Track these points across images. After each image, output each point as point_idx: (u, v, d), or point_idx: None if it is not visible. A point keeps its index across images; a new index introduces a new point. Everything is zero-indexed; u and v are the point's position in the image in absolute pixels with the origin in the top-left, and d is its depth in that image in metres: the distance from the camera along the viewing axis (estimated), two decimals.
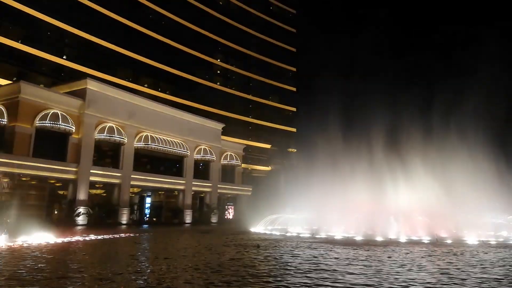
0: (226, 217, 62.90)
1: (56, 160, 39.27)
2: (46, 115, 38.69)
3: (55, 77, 57.33)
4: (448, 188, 35.03)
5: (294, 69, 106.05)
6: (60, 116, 39.32)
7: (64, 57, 59.74)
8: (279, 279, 11.60)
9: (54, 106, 39.68)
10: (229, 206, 66.21)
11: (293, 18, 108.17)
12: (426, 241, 27.16)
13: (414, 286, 10.86)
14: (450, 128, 40.26)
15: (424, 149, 38.19)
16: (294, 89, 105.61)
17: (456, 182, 34.91)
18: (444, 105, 43.12)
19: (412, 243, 25.92)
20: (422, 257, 17.74)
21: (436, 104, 44.01)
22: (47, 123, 38.46)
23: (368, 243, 24.58)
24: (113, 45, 65.53)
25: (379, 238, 29.12)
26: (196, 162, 56.79)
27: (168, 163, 53.86)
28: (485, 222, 34.19)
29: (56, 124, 38.90)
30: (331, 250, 20.14)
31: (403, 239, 28.78)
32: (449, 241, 27.43)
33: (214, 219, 56.34)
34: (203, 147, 57.16)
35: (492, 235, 31.66)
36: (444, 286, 11.04)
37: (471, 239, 28.56)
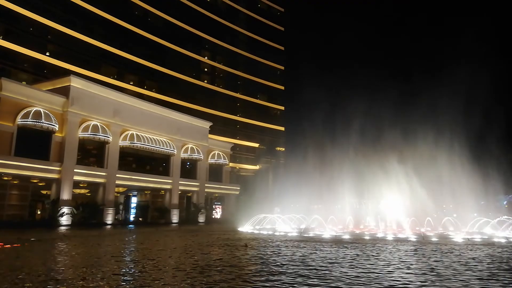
0: (213, 216, 62.50)
1: (39, 159, 38.37)
2: (29, 113, 37.73)
3: (38, 74, 56.09)
4: (431, 188, 35.48)
5: (282, 68, 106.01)
6: (43, 114, 38.38)
7: (47, 54, 58.48)
8: (266, 281, 11.36)
9: (36, 104, 38.72)
10: (217, 206, 65.80)
11: (281, 16, 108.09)
12: (412, 239, 27.26)
13: (402, 286, 10.74)
14: (430, 130, 40.91)
15: (405, 149, 38.74)
16: (282, 87, 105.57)
17: (438, 182, 35.36)
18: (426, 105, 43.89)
19: (398, 241, 26.00)
20: (409, 255, 17.73)
21: (419, 105, 44.75)
22: (29, 121, 37.51)
23: (356, 242, 24.55)
24: (97, 42, 64.43)
25: (366, 237, 29.17)
26: (183, 161, 56.20)
27: (154, 162, 53.19)
28: (470, 220, 34.63)
29: (38, 122, 37.95)
30: (318, 249, 20.01)
31: (390, 237, 28.87)
32: (435, 239, 27.59)
33: (201, 219, 55.89)
34: (190, 145, 56.59)
35: (477, 232, 32.03)
36: (432, 285, 10.95)
37: (457, 237, 28.82)
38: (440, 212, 39.44)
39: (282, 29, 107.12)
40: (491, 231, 32.88)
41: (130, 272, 12.95)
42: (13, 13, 53.95)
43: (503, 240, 26.96)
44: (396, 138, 40.56)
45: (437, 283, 11.13)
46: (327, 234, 31.07)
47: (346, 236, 29.27)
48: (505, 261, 16.14)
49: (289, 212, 40.13)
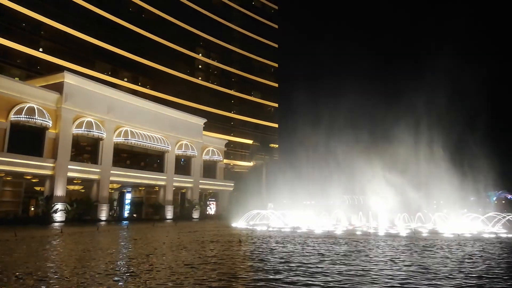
0: (207, 212, 62.71)
1: (33, 155, 38.21)
2: (22, 109, 37.56)
3: (31, 70, 55.82)
4: (422, 184, 36.10)
5: (276, 65, 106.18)
6: (36, 110, 38.24)
7: (40, 50, 58.08)
8: (259, 279, 11.64)
9: (30, 100, 38.55)
10: (211, 202, 66.01)
11: (275, 14, 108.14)
12: (403, 235, 27.75)
13: (393, 281, 11.08)
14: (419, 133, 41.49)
15: (396, 146, 39.28)
16: (276, 85, 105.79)
17: (429, 179, 35.96)
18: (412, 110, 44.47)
19: (390, 236, 26.45)
20: (399, 251, 18.12)
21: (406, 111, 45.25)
22: (22, 117, 37.34)
23: (348, 237, 24.96)
24: (91, 38, 64.11)
25: (358, 232, 29.63)
26: (178, 158, 56.28)
27: (148, 159, 53.23)
28: (460, 216, 35.23)
29: (32, 118, 37.80)
30: (310, 245, 20.35)
31: (381, 233, 29.35)
32: (425, 235, 28.11)
33: (195, 215, 56.08)
34: (184, 142, 56.68)
35: (466, 228, 32.61)
36: (423, 280, 11.30)
37: (447, 232, 29.38)
38: (431, 208, 40.11)
39: (276, 26, 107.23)
40: (481, 226, 33.52)
41: (122, 271, 13.14)
42: (6, 9, 53.50)
43: (492, 236, 27.55)
44: (387, 135, 41.19)
45: (425, 279, 11.49)
46: (319, 230, 31.48)
47: (338, 232, 29.71)
48: (495, 257, 16.60)
49: (282, 208, 40.49)
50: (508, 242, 23.03)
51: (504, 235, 27.92)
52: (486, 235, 27.96)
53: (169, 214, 52.63)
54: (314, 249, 18.07)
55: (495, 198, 74.66)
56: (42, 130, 39.43)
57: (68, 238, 23.53)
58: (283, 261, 14.19)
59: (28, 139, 38.55)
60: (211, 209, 65.30)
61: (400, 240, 23.74)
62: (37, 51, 57.48)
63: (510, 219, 33.82)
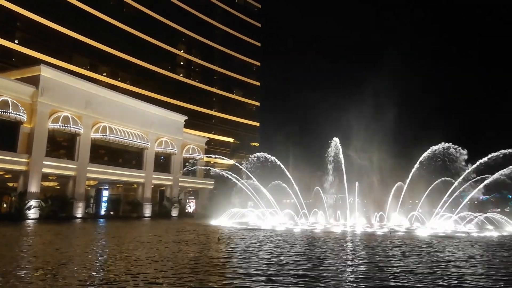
0: (187, 210, 62.31)
1: (6, 150, 37.11)
2: None
3: (5, 62, 54.02)
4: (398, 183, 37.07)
5: (258, 64, 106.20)
6: (10, 104, 37.09)
7: (15, 42, 56.36)
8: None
9: (3, 93, 37.36)
10: (191, 200, 65.60)
11: (258, 12, 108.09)
12: (379, 233, 28.29)
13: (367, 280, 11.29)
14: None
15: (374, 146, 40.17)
16: (258, 83, 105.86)
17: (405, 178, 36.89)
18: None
19: (366, 235, 26.93)
20: (374, 250, 18.47)
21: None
22: None
23: (325, 235, 25.27)
24: (69, 31, 62.60)
25: (336, 230, 30.06)
26: (157, 155, 55.62)
27: (127, 155, 52.42)
28: (434, 215, 36.20)
29: (5, 112, 36.65)
30: (288, 243, 20.52)
31: (358, 230, 29.86)
32: (400, 233, 28.73)
33: (174, 213, 55.60)
34: (164, 139, 56.06)
35: (441, 227, 33.53)
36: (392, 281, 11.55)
37: (421, 231, 30.15)
38: (406, 207, 41.15)
39: (259, 25, 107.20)
40: (454, 226, 34.52)
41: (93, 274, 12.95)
42: None
43: (464, 235, 28.43)
44: (367, 136, 41.91)
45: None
46: (298, 228, 31.77)
47: (316, 231, 30.05)
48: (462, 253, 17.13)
49: (262, 207, 40.61)
50: (475, 241, 23.81)
51: (476, 234, 28.85)
52: (458, 234, 28.81)
53: (147, 212, 51.99)
54: (291, 248, 18.23)
55: (468, 198, 76.74)
56: (16, 124, 38.30)
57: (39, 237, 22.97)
58: (259, 264, 14.27)
59: (1, 134, 37.37)
60: (191, 207, 64.90)
61: (376, 239, 24.20)
62: (12, 42, 55.73)
63: (482, 219, 34.96)
